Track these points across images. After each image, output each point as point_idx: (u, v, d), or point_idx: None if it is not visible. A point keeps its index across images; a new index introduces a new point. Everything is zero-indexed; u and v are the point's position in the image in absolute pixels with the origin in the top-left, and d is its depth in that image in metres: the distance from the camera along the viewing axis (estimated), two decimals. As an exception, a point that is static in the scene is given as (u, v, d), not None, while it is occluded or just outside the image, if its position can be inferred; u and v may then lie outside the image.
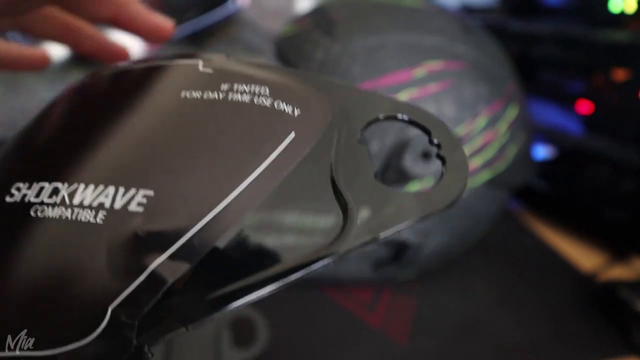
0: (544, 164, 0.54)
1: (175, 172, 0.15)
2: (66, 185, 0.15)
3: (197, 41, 0.58)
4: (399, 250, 0.41)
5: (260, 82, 0.17)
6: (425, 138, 0.37)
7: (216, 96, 0.16)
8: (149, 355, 0.14)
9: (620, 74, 0.46)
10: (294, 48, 0.38)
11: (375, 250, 0.40)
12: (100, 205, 0.14)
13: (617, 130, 0.48)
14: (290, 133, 0.16)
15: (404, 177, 0.37)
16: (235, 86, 0.17)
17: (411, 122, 0.18)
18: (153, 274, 0.13)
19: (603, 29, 0.49)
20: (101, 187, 0.14)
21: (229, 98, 0.16)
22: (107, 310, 0.13)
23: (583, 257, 0.49)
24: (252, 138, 0.16)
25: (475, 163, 0.37)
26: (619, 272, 0.47)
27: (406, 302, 0.42)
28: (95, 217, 0.14)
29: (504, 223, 0.54)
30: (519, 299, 0.43)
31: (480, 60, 0.37)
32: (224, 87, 0.17)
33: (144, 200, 0.14)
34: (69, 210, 0.14)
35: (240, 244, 0.15)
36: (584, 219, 0.51)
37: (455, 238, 0.41)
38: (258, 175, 0.15)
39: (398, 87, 0.35)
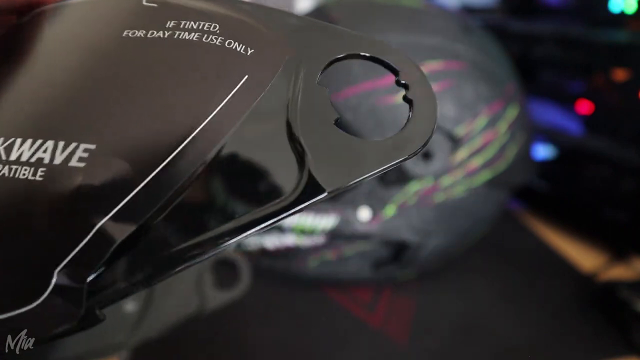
0: (544, 164, 0.54)
1: (119, 123, 0.14)
2: (1, 139, 0.14)
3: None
4: (399, 250, 0.41)
5: (210, 18, 0.15)
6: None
7: (162, 34, 0.15)
8: (101, 317, 0.13)
9: (620, 74, 0.46)
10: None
11: (375, 250, 0.40)
12: (39, 161, 0.13)
13: (617, 130, 0.48)
14: (243, 75, 0.14)
15: (403, 177, 0.37)
16: (183, 23, 0.15)
17: (375, 60, 0.16)
18: (99, 233, 0.12)
19: (603, 29, 0.49)
20: (39, 141, 0.13)
21: (176, 36, 0.15)
22: (52, 273, 0.12)
23: (583, 257, 0.49)
24: (201, 82, 0.14)
25: (475, 163, 0.37)
26: (619, 272, 0.47)
27: (406, 302, 0.42)
28: (34, 173, 0.13)
29: (504, 223, 0.54)
30: (519, 298, 0.43)
31: (480, 60, 0.37)
32: (170, 24, 0.15)
33: (85, 155, 0.13)
34: (7, 167, 0.13)
35: (191, 200, 0.14)
36: (584, 219, 0.51)
37: (455, 238, 0.41)
38: (208, 123, 0.14)
39: (398, 86, 0.35)
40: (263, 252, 0.43)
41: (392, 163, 0.14)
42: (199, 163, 0.13)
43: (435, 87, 0.39)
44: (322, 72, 0.15)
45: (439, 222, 0.39)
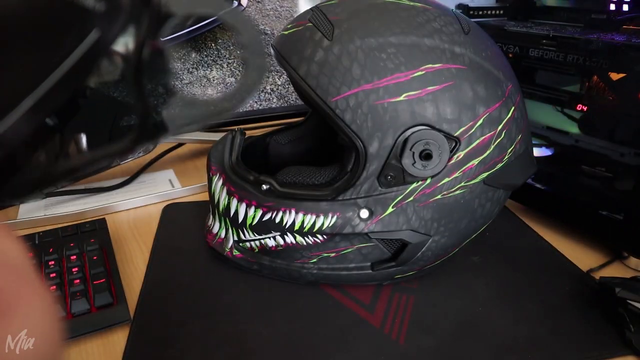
0: (541, 164, 0.54)
1: None
2: None
3: (198, 44, 0.59)
4: (397, 249, 0.41)
5: None
6: (424, 140, 0.38)
7: None
8: None
9: (616, 75, 0.47)
10: (293, 49, 0.38)
11: (374, 249, 0.41)
12: None
13: (613, 130, 0.48)
14: None
15: (402, 177, 0.38)
16: None
17: (219, 19, 0.17)
18: None
19: (599, 30, 0.49)
20: None
21: None
22: None
23: (580, 255, 0.50)
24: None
25: (473, 163, 0.38)
26: (615, 271, 0.48)
27: (405, 301, 0.43)
28: None
29: (503, 222, 0.54)
30: (517, 297, 0.44)
31: (479, 61, 0.38)
32: None
33: None
34: None
35: None
36: (581, 218, 0.52)
37: (454, 237, 0.41)
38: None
39: (397, 88, 0.35)
40: (264, 250, 0.43)
41: (222, 115, 0.16)
42: None
43: (434, 88, 0.39)
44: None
45: (437, 221, 0.39)
